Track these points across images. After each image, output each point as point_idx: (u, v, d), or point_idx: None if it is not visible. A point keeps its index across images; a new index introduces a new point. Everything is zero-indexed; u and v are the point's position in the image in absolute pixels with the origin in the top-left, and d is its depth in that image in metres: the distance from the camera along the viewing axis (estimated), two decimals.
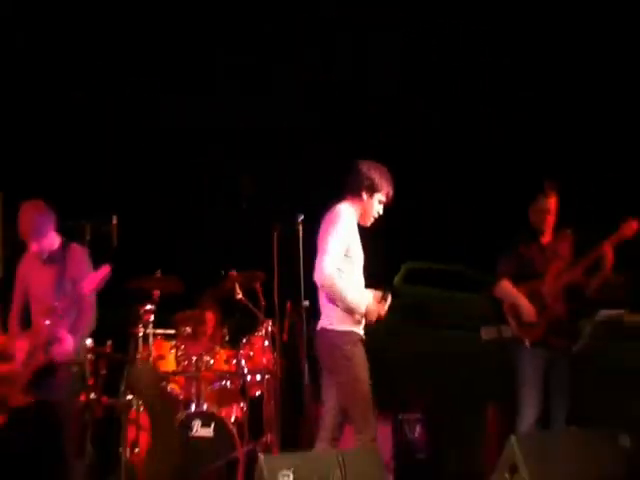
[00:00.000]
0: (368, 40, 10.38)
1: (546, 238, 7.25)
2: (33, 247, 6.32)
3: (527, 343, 7.03)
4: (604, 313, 7.70)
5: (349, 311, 5.93)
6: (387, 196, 6.24)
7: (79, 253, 6.38)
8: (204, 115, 9.02)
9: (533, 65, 10.50)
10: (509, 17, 10.01)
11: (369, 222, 6.27)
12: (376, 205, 6.21)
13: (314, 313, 7.79)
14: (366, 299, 6.00)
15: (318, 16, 9.97)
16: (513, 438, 5.95)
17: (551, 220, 7.23)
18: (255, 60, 9.68)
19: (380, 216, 6.26)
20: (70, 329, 6.20)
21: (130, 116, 8.64)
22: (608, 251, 7.01)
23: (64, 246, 6.35)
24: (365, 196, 6.19)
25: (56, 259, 6.29)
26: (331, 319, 5.98)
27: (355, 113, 10.12)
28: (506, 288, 6.98)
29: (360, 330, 6.06)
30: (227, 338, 7.60)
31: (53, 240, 6.35)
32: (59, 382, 6.22)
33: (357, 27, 10.12)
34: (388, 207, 6.27)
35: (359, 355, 6.02)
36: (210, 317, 7.89)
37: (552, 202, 7.21)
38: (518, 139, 9.97)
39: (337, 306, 5.95)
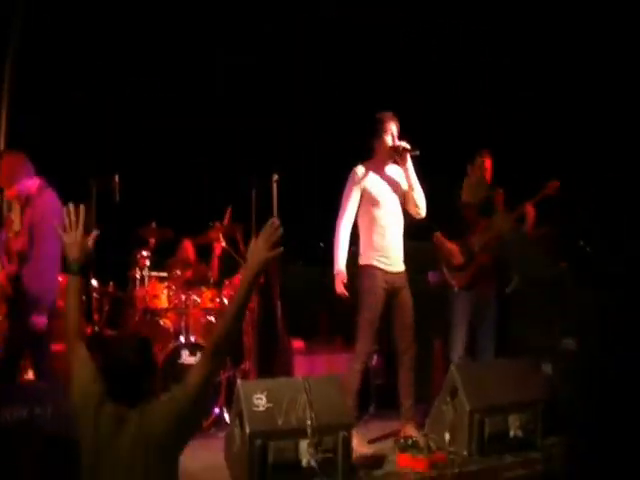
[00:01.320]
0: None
1: (482, 194, 7.70)
2: (9, 193, 6.50)
3: (455, 288, 7.54)
4: None
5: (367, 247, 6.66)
6: (391, 127, 6.72)
7: (44, 200, 6.37)
8: (191, 85, 9.27)
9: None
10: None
11: (392, 153, 6.74)
12: (393, 134, 6.71)
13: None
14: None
15: None
16: (453, 367, 6.46)
17: (488, 176, 7.73)
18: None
19: None
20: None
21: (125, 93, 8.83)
22: (530, 208, 7.46)
23: (40, 191, 6.39)
24: (375, 142, 6.80)
25: (30, 203, 6.33)
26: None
27: (334, 78, 10.19)
28: (439, 239, 7.43)
29: (380, 263, 6.66)
30: (212, 280, 7.90)
31: (29, 186, 6.39)
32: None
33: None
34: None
35: (371, 285, 6.64)
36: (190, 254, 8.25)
37: (488, 161, 7.70)
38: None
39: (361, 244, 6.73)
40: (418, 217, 6.94)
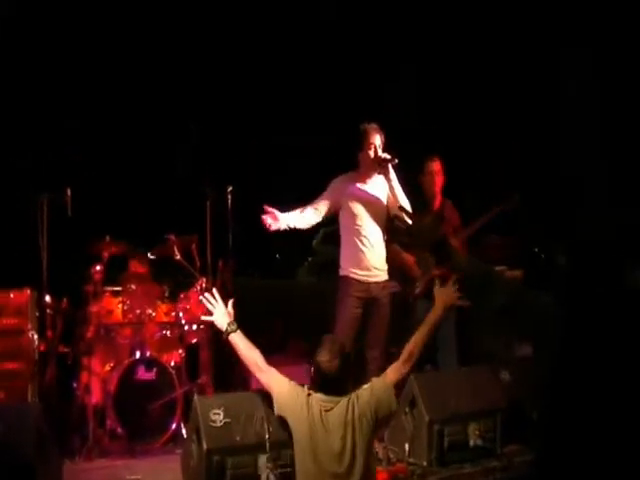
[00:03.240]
0: None
1: (436, 204, 7.68)
2: None
3: (410, 299, 7.55)
4: None
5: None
6: (375, 139, 6.76)
7: None
8: (143, 90, 9.12)
9: None
10: None
11: (375, 166, 6.77)
12: (376, 147, 6.74)
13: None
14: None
15: None
16: (412, 377, 6.32)
17: (440, 181, 7.65)
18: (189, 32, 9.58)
19: None
20: None
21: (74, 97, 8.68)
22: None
23: None
24: (359, 155, 6.85)
25: None
26: None
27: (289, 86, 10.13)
28: (394, 251, 7.31)
29: (357, 275, 6.76)
30: (167, 294, 7.77)
31: None
32: None
33: None
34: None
35: (345, 294, 6.77)
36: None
37: (438, 164, 7.64)
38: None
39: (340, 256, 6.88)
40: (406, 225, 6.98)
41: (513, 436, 6.67)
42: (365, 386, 4.96)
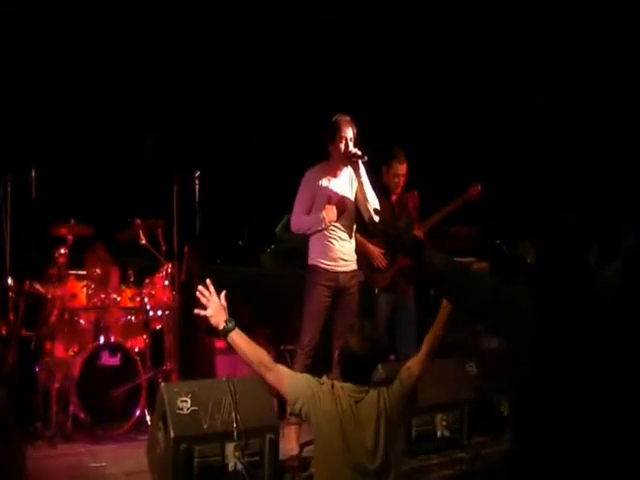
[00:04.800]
0: None
1: (394, 197, 7.60)
2: None
3: (376, 290, 7.49)
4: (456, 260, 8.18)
5: (317, 230, 6.63)
6: (347, 132, 6.64)
7: None
8: (112, 74, 8.99)
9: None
10: None
11: (345, 159, 6.67)
12: (347, 140, 6.63)
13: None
14: (321, 215, 6.61)
15: None
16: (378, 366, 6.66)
17: (402, 182, 7.57)
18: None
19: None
20: None
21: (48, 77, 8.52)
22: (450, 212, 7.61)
23: None
24: (330, 147, 6.71)
25: None
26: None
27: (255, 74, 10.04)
28: (358, 240, 7.12)
29: (324, 264, 6.68)
30: (132, 278, 7.66)
31: None
32: None
33: None
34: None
35: (313, 282, 6.68)
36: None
37: (405, 167, 7.51)
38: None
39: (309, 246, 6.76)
40: (371, 221, 6.85)
41: (479, 428, 6.70)
42: (395, 379, 4.57)
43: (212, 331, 7.83)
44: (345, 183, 6.87)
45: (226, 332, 4.45)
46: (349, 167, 6.81)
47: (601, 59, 8.92)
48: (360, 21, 9.98)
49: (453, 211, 7.75)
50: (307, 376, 4.57)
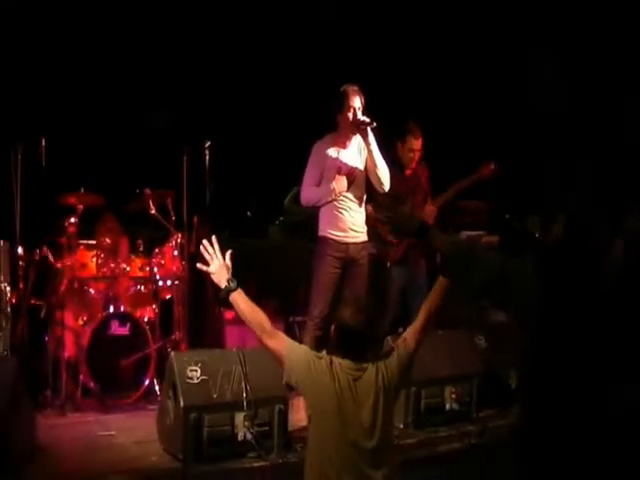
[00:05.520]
0: None
1: (408, 172, 7.62)
2: None
3: (388, 263, 7.55)
4: (465, 234, 8.21)
5: (327, 202, 6.65)
6: (354, 101, 6.64)
7: None
8: (125, 43, 8.93)
9: None
10: None
11: (354, 128, 6.67)
12: (355, 109, 6.62)
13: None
14: (331, 185, 6.63)
15: None
16: (388, 338, 6.08)
17: (417, 157, 7.57)
18: None
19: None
20: None
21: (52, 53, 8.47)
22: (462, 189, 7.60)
23: None
24: (338, 117, 6.73)
25: None
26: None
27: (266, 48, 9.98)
28: (371, 215, 7.16)
29: (334, 235, 6.71)
30: (142, 248, 7.67)
31: None
32: None
33: None
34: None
35: (323, 253, 6.71)
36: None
37: (420, 142, 7.52)
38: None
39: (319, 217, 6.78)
40: (381, 191, 6.91)
41: (488, 401, 6.71)
42: (390, 352, 4.44)
43: (221, 302, 7.92)
44: (354, 153, 6.86)
45: (227, 291, 4.38)
46: (358, 137, 6.80)
47: (601, 46, 8.88)
48: (369, 11, 9.91)
49: (466, 188, 7.73)
50: (305, 348, 4.48)
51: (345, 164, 6.76)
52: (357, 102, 6.68)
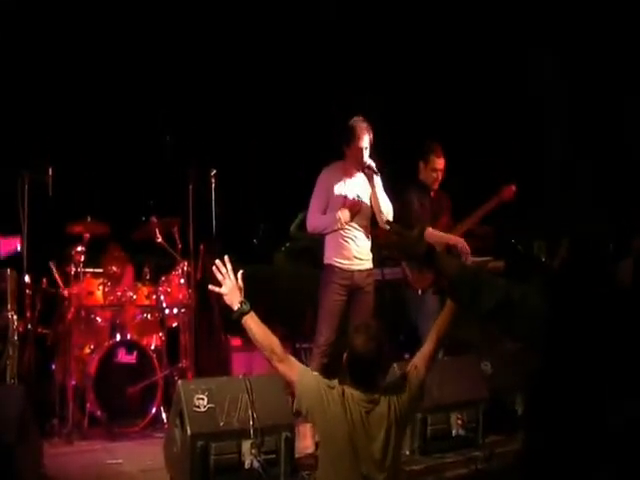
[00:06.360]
0: None
1: (432, 194, 7.48)
2: None
3: (419, 291, 7.29)
4: (471, 260, 8.15)
5: (333, 230, 6.64)
6: (362, 142, 6.62)
7: None
8: (130, 73, 9.00)
9: None
10: None
11: (362, 153, 6.63)
12: (362, 151, 6.62)
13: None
14: (336, 215, 6.60)
15: None
16: (395, 365, 5.92)
17: (441, 177, 7.45)
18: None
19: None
20: None
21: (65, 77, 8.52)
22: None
23: None
24: (345, 149, 6.72)
25: None
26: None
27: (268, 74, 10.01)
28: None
29: (339, 263, 6.70)
30: (148, 276, 7.72)
31: None
32: None
33: None
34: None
35: (329, 280, 6.68)
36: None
37: (443, 161, 7.40)
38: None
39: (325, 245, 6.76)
40: (384, 223, 6.81)
41: (495, 426, 6.67)
42: (400, 379, 4.44)
43: (229, 328, 7.94)
44: (361, 182, 6.87)
45: (240, 314, 4.34)
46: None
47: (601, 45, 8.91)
48: (369, 14, 9.94)
49: (488, 213, 7.59)
50: (318, 377, 4.43)
51: (351, 195, 6.79)
52: (365, 141, 6.68)
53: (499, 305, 3.71)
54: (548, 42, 9.47)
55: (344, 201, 6.73)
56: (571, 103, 9.41)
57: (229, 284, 4.35)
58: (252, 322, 4.35)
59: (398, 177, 7.23)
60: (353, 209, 6.70)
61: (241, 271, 4.40)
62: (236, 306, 4.34)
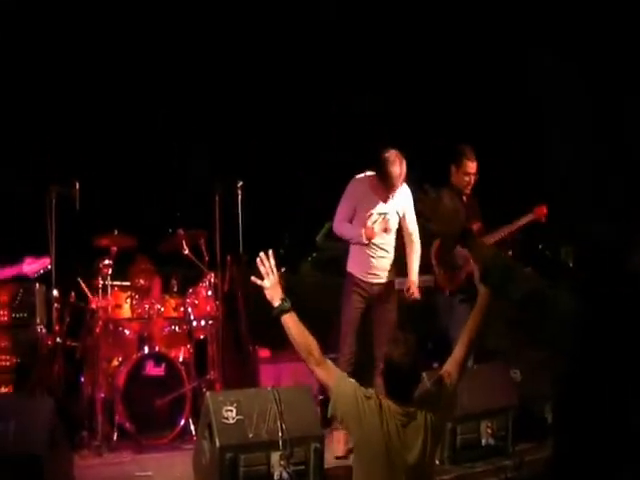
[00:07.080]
0: None
1: (464, 198, 7.48)
2: None
3: (447, 292, 7.38)
4: None
5: (357, 243, 6.73)
6: (394, 178, 6.62)
7: None
8: (156, 87, 9.05)
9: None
10: None
11: (393, 186, 6.66)
12: (393, 172, 6.59)
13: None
14: (361, 230, 6.65)
15: None
16: (424, 374, 6.63)
17: (473, 181, 7.45)
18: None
19: None
20: None
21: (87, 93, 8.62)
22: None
23: None
24: (377, 171, 6.69)
25: None
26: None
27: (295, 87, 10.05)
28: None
29: (359, 274, 6.78)
30: (175, 289, 7.71)
31: None
32: None
33: None
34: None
35: (349, 290, 6.77)
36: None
37: (475, 165, 7.40)
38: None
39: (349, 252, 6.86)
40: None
41: (524, 435, 6.65)
42: (435, 388, 4.44)
43: (256, 339, 7.94)
44: (390, 207, 6.87)
45: (280, 311, 4.30)
46: (397, 195, 6.85)
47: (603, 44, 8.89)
48: (369, 14, 9.96)
49: (517, 231, 7.52)
50: (355, 385, 4.37)
51: (378, 212, 6.80)
52: (397, 170, 6.63)
53: (529, 296, 3.71)
54: (548, 42, 9.44)
55: (370, 216, 6.74)
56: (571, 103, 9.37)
57: (272, 278, 4.32)
58: (291, 321, 4.31)
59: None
60: (380, 227, 6.73)
61: (282, 269, 4.42)
62: (277, 302, 4.31)
